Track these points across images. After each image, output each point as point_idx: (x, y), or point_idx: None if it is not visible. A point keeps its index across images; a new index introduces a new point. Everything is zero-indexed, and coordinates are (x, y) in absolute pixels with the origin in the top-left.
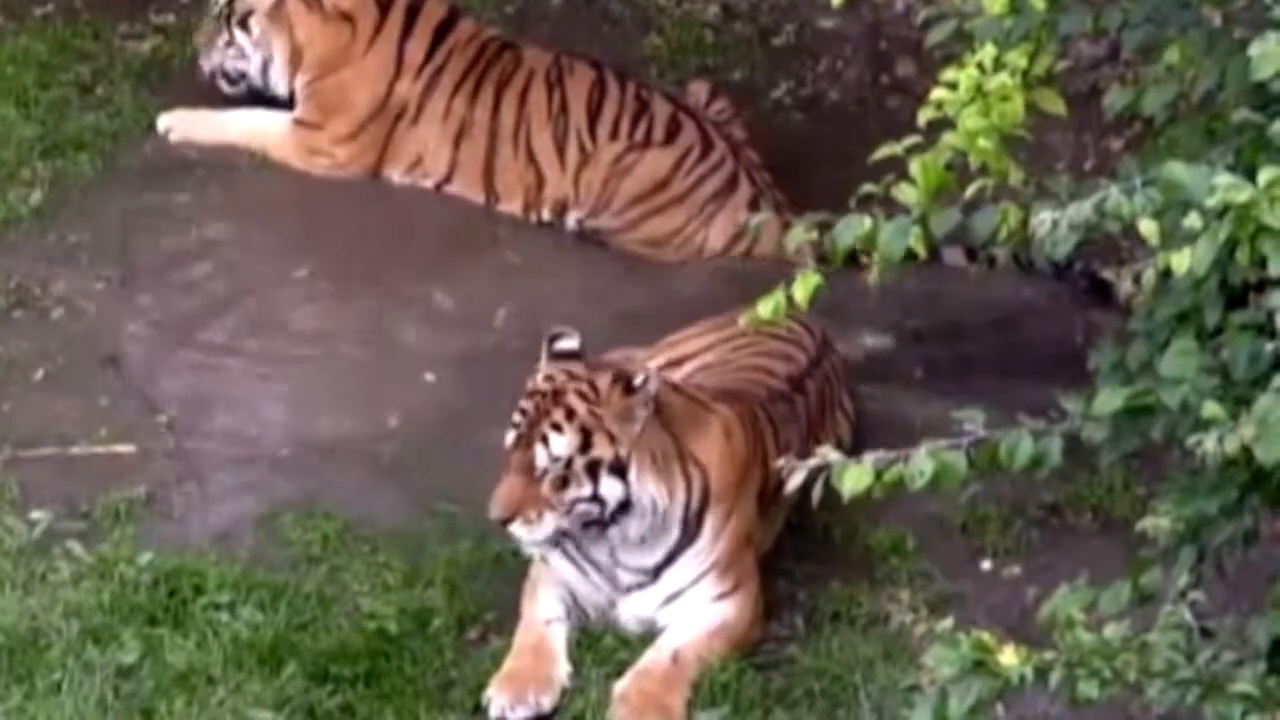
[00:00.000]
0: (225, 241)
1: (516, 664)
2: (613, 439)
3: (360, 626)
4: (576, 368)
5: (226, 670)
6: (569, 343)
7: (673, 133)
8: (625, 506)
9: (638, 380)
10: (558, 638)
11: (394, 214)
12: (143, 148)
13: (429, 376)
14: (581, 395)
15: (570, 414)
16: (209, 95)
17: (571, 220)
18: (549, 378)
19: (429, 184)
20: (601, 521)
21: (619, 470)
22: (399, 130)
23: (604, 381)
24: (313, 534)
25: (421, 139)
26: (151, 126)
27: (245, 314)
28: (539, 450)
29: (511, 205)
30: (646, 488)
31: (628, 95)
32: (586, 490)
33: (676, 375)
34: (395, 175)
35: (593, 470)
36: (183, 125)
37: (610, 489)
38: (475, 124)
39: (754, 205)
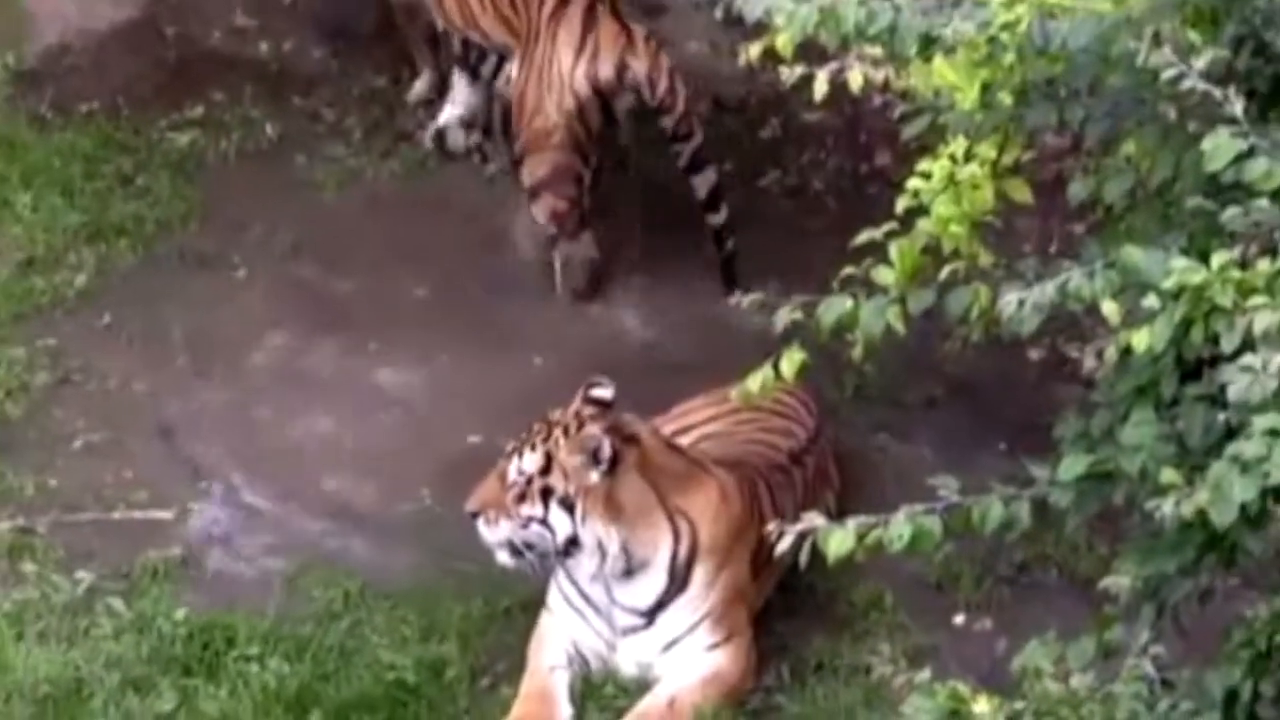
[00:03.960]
0: (262, 321)
1: (523, 709)
2: (568, 476)
3: (380, 677)
4: (589, 411)
5: (256, 718)
6: (603, 392)
7: None
8: (574, 542)
9: (592, 440)
10: (561, 684)
11: (433, 283)
12: (181, 234)
13: (472, 438)
14: (565, 431)
15: (545, 440)
16: (243, 184)
17: None
18: (565, 413)
19: None
20: (556, 551)
21: (567, 506)
22: None
23: (584, 434)
24: (335, 591)
25: None
26: (190, 213)
27: (282, 386)
28: (513, 461)
29: None
30: (593, 530)
31: None
32: (538, 511)
33: (684, 440)
34: None
35: (545, 496)
36: None
37: (559, 521)
38: None
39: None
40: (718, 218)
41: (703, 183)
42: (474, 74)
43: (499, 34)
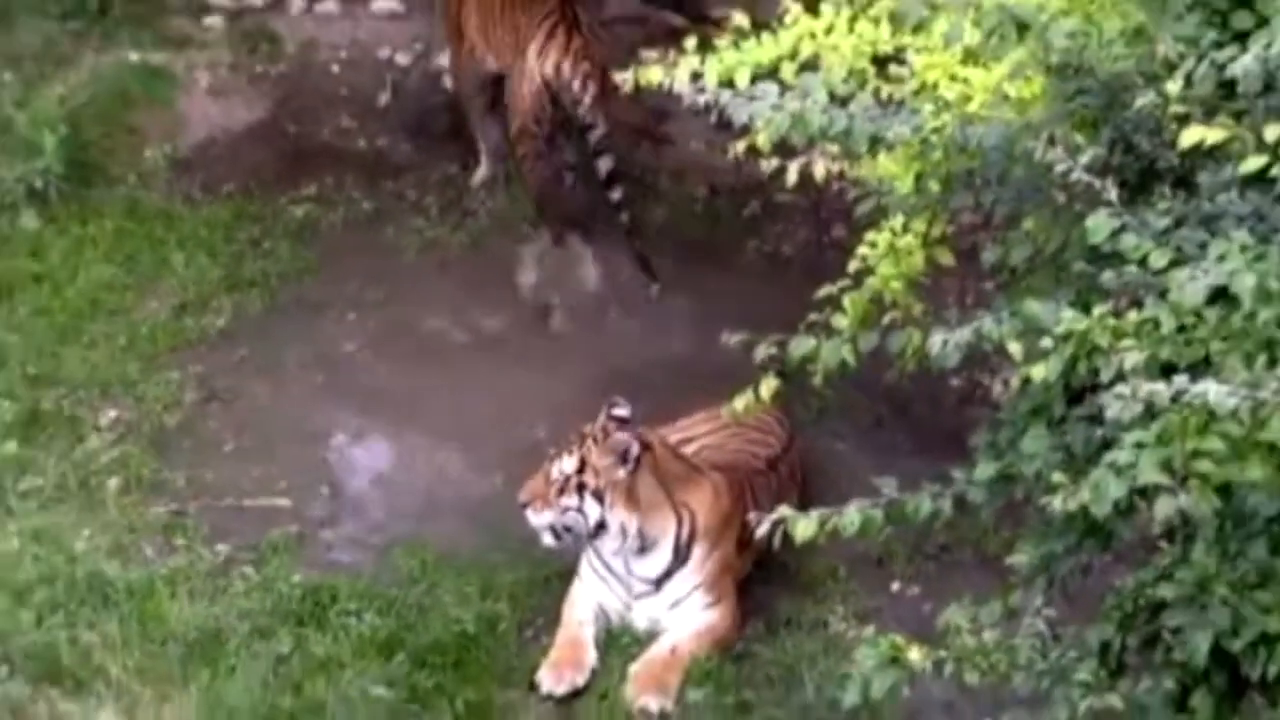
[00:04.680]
0: (365, 352)
1: (558, 654)
2: (598, 474)
3: (449, 628)
4: (613, 426)
5: (354, 659)
6: (622, 410)
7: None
8: (602, 526)
9: (623, 445)
10: (588, 635)
11: (497, 321)
12: (298, 286)
13: (537, 434)
14: (595, 440)
15: (580, 447)
16: (347, 248)
17: None
18: (597, 428)
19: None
20: (588, 533)
21: (598, 497)
22: None
23: (612, 439)
24: (416, 561)
25: None
26: (306, 270)
27: (382, 401)
28: (556, 464)
29: None
30: (617, 516)
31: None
32: (574, 502)
33: (689, 448)
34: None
35: (580, 489)
36: None
37: (591, 508)
38: None
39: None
40: (616, 194)
41: (603, 165)
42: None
43: (509, 54)
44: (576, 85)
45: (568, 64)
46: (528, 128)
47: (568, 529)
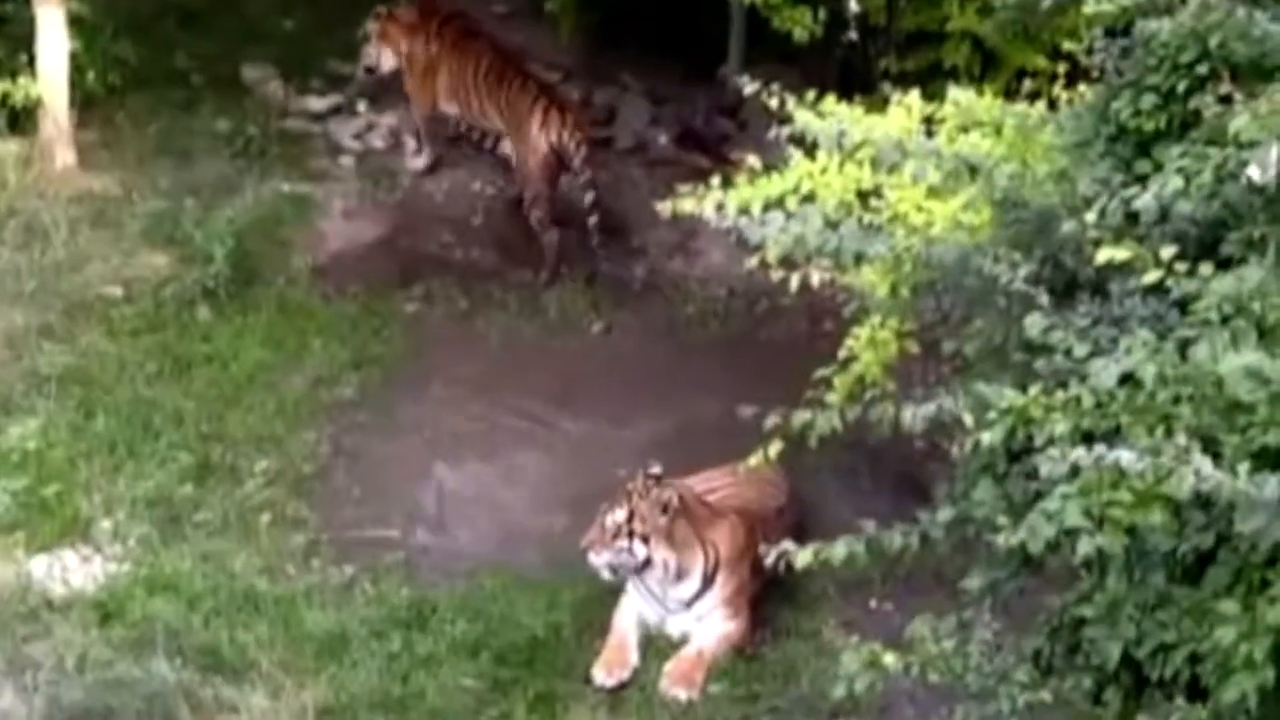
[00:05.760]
0: (464, 413)
1: (608, 655)
2: (644, 521)
3: (523, 633)
4: (651, 482)
5: (449, 656)
6: (655, 470)
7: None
8: (648, 563)
9: (665, 499)
10: (632, 640)
11: (572, 390)
12: (409, 365)
13: (619, 472)
14: (640, 495)
15: (628, 501)
16: (446, 336)
17: None
18: (638, 485)
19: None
20: (635, 569)
21: (644, 540)
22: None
23: (653, 494)
24: (498, 580)
25: None
26: (415, 353)
27: (480, 451)
28: (610, 515)
29: None
30: (659, 554)
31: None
32: (625, 544)
33: (712, 496)
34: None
35: (630, 535)
36: None
37: (638, 549)
38: None
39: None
40: (593, 218)
41: (588, 198)
42: (478, 147)
43: (498, 122)
44: (572, 146)
45: (565, 132)
46: (543, 192)
47: (621, 566)
